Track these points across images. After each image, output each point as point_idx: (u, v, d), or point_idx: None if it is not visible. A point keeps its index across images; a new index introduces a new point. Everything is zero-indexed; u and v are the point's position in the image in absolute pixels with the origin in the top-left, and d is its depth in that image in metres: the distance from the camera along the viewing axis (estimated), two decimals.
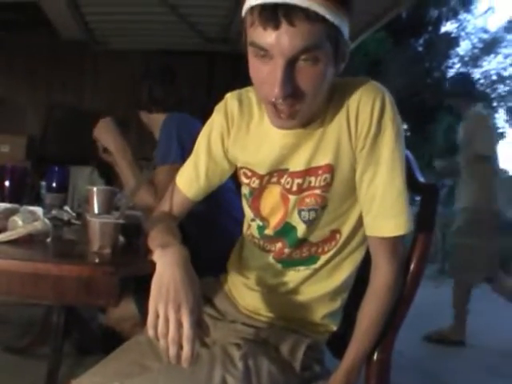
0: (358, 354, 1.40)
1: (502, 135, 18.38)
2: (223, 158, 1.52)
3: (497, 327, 5.20)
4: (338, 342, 1.50)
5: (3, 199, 1.96)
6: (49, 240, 1.57)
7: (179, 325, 1.14)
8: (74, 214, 2.11)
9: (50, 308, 3.01)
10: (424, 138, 13.43)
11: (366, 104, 1.28)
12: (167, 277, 1.20)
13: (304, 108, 1.24)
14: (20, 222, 1.54)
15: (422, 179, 1.54)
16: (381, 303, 1.38)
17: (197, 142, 1.57)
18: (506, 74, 18.24)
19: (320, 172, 1.35)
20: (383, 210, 1.32)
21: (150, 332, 1.16)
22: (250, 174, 1.47)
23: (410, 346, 4.17)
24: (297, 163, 1.37)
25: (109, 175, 2.96)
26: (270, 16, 1.12)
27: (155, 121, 2.48)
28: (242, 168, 1.50)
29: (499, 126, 18.36)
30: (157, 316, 1.16)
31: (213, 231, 2.18)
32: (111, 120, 2.34)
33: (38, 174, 2.67)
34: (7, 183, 2.18)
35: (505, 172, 18.42)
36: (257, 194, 1.46)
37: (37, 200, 2.36)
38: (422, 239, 1.48)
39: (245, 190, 1.51)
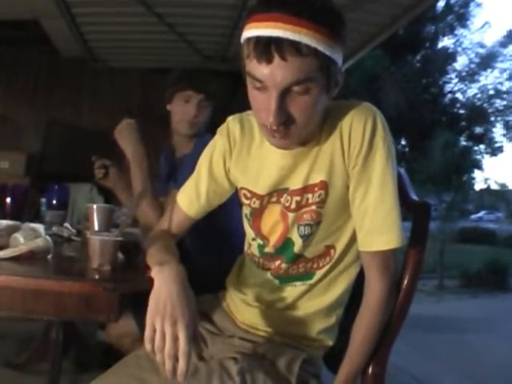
0: (351, 369, 1.42)
1: (499, 149, 18.40)
2: (224, 178, 1.57)
3: None
4: (335, 357, 1.50)
5: (5, 217, 1.98)
6: (50, 257, 1.59)
7: (175, 339, 1.18)
8: (73, 231, 2.13)
9: (49, 324, 3.01)
10: (422, 154, 13.44)
11: (359, 124, 1.33)
12: (164, 293, 1.24)
13: (296, 131, 1.29)
14: (22, 239, 1.57)
15: (414, 197, 1.56)
16: (374, 318, 1.40)
17: (199, 162, 1.62)
18: (502, 88, 18.28)
19: (316, 189, 1.39)
20: (375, 225, 1.35)
21: (147, 346, 1.19)
22: (249, 195, 1.51)
23: (412, 363, 4.21)
24: (295, 182, 1.42)
25: (107, 192, 2.97)
26: (264, 50, 1.18)
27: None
28: (242, 189, 1.54)
29: (497, 140, 18.39)
30: (154, 331, 1.19)
31: (221, 248, 2.13)
32: (135, 123, 2.27)
33: (37, 191, 2.68)
34: (8, 201, 2.21)
35: (504, 186, 18.46)
36: (257, 214, 1.50)
37: (37, 217, 2.37)
38: (414, 256, 1.51)
39: (246, 211, 1.55)
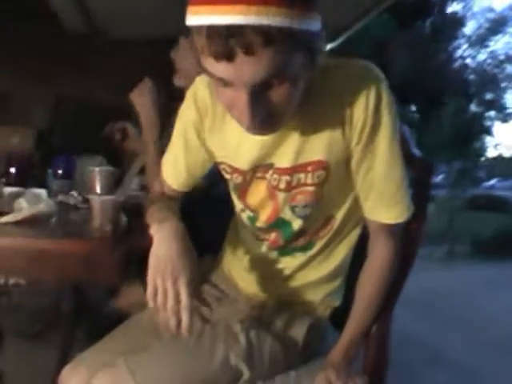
0: (357, 329, 1.40)
1: (510, 116, 18.26)
2: (201, 149, 1.43)
3: None
4: (340, 316, 1.49)
5: (10, 185, 1.98)
6: (53, 221, 1.60)
7: (177, 296, 1.17)
8: (80, 199, 2.12)
9: (61, 294, 3.05)
10: (432, 121, 13.35)
11: (361, 95, 1.17)
12: (164, 250, 1.23)
13: (279, 120, 1.12)
14: (25, 204, 1.57)
15: (417, 154, 1.50)
16: (380, 279, 1.37)
17: (174, 133, 1.48)
18: None
19: (310, 169, 1.26)
20: (383, 199, 1.28)
21: (150, 304, 1.20)
22: (230, 170, 1.39)
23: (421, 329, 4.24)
24: (283, 159, 1.27)
25: (117, 164, 2.97)
26: (221, 45, 0.93)
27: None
28: (221, 163, 1.41)
29: (508, 106, 18.23)
30: (156, 288, 1.19)
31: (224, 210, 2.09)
32: (152, 85, 2.15)
33: (47, 166, 2.68)
34: (13, 170, 2.21)
35: None
36: (242, 190, 1.41)
37: (43, 187, 2.37)
38: (417, 215, 1.42)
39: (230, 183, 1.45)
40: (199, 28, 0.96)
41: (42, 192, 1.68)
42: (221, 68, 0.97)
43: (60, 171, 2.41)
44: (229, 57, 0.93)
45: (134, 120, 2.29)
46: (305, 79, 1.09)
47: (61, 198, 2.08)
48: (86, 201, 2.07)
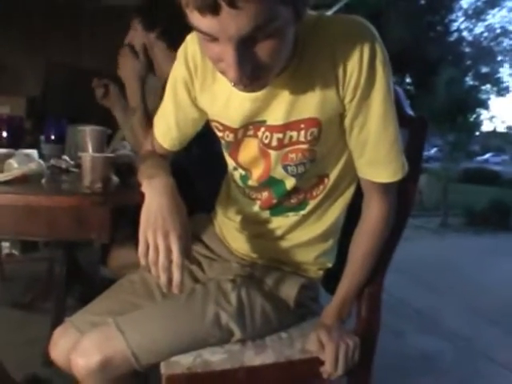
0: (350, 289, 1.40)
1: (506, 89, 18.27)
2: (192, 107, 1.42)
3: None
4: (331, 278, 1.49)
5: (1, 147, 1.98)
6: (43, 181, 1.59)
7: (168, 251, 1.16)
8: (72, 163, 2.11)
9: (53, 262, 3.05)
10: (426, 91, 13.29)
11: (355, 50, 1.14)
12: (154, 206, 1.22)
13: (267, 74, 1.09)
14: (15, 165, 1.57)
15: (410, 112, 1.47)
16: (374, 238, 1.35)
17: (166, 92, 1.46)
18: (510, 27, 18.03)
19: (302, 126, 1.24)
20: (377, 156, 1.25)
21: (142, 261, 1.18)
22: (221, 127, 1.36)
23: (414, 296, 4.27)
24: (275, 116, 1.25)
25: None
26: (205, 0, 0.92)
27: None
28: (212, 121, 1.40)
29: (504, 80, 18.22)
30: (147, 245, 1.18)
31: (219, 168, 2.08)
32: (127, 50, 2.15)
33: (39, 132, 2.67)
34: (4, 134, 2.20)
35: (511, 128, 18.37)
36: (234, 147, 1.38)
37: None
38: (410, 173, 1.38)
39: (222, 142, 1.42)
40: None
41: (33, 152, 1.67)
42: (206, 22, 0.96)
43: (52, 136, 2.40)
44: (213, 10, 0.92)
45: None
46: (292, 33, 1.07)
47: (53, 161, 2.07)
48: (78, 166, 2.06)
